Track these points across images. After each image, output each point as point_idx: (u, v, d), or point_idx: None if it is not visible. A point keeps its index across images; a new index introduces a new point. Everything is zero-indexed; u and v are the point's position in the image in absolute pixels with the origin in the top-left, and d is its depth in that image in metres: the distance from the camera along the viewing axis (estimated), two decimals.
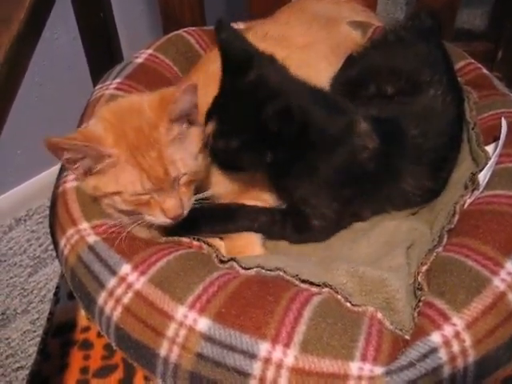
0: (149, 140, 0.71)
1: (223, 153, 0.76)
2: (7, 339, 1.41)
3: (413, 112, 0.82)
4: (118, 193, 0.72)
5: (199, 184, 0.79)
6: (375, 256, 0.75)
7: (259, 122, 0.71)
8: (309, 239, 0.80)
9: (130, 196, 0.71)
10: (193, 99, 0.72)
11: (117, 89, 0.88)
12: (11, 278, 1.53)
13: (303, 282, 0.67)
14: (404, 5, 1.80)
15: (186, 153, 0.73)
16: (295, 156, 0.75)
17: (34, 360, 0.81)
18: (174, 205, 0.72)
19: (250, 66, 0.75)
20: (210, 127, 0.76)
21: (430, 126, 0.81)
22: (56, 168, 1.64)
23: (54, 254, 1.54)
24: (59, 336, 0.81)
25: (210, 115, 0.77)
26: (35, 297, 1.50)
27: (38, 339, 1.40)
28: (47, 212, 1.64)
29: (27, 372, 1.34)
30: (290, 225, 0.80)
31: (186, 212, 0.73)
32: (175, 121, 0.72)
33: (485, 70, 0.96)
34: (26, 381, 0.78)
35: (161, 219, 0.73)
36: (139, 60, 0.94)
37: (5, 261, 1.57)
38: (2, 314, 1.46)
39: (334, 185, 0.77)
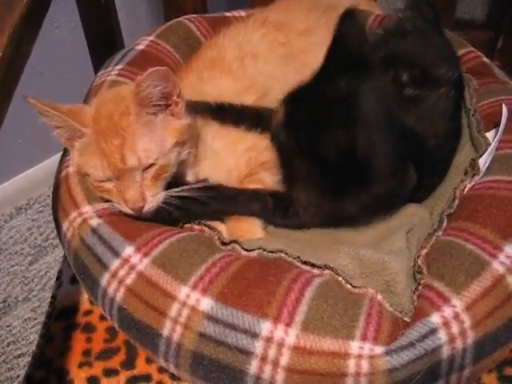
0: (116, 127, 0.71)
1: (279, 144, 0.74)
2: (8, 326, 1.42)
3: (425, 114, 0.80)
4: (88, 175, 0.73)
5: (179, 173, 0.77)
6: (376, 240, 0.76)
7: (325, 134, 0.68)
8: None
9: (94, 181, 0.72)
10: (161, 84, 0.69)
11: (119, 75, 0.88)
12: (12, 266, 1.54)
13: (304, 263, 0.68)
14: None
15: (153, 144, 0.71)
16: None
17: (37, 343, 0.81)
18: (133, 196, 0.71)
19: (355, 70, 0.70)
20: (282, 112, 0.73)
21: (439, 129, 0.80)
22: (57, 157, 1.67)
23: (55, 242, 1.57)
24: (62, 319, 0.81)
25: (289, 100, 0.73)
26: (36, 285, 1.51)
27: (39, 326, 1.40)
28: (48, 201, 1.68)
29: (28, 359, 1.34)
30: None
31: (148, 206, 0.72)
32: (144, 106, 0.71)
33: (485, 58, 0.96)
34: (30, 363, 0.79)
35: (124, 208, 0.72)
36: (140, 47, 0.94)
37: (6, 249, 1.58)
38: (4, 301, 1.46)
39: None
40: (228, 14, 1.08)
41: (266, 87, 0.85)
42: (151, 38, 0.96)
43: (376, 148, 0.68)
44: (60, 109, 0.72)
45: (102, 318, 0.78)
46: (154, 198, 0.72)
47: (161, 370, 0.73)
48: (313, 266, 0.68)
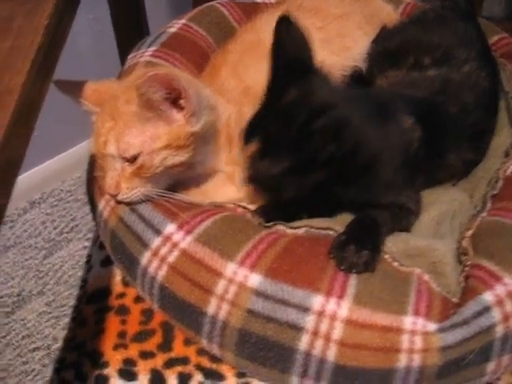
0: (115, 111, 0.70)
1: (264, 177, 0.69)
2: (23, 320, 1.40)
3: (449, 86, 0.82)
4: None
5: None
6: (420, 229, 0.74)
7: (306, 141, 0.65)
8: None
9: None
10: (162, 90, 0.67)
11: (153, 56, 0.87)
12: (26, 260, 1.52)
13: None
14: None
15: (138, 139, 0.69)
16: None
17: (68, 327, 0.80)
18: (108, 182, 0.70)
19: (300, 77, 0.69)
20: (251, 148, 0.69)
21: (467, 100, 0.81)
22: (71, 151, 1.66)
23: (69, 236, 1.56)
24: (93, 303, 0.79)
25: (249, 133, 0.70)
26: (50, 279, 1.49)
27: (54, 321, 1.40)
28: (62, 195, 1.67)
29: (43, 353, 1.33)
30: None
31: (121, 197, 0.70)
32: (145, 107, 0.69)
33: None
34: (61, 347, 0.78)
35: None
36: (173, 29, 0.93)
37: (20, 243, 1.56)
38: (18, 295, 1.44)
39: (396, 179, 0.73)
40: (258, 0, 1.07)
41: None
42: (183, 21, 0.95)
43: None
44: (85, 92, 0.74)
45: (137, 300, 0.76)
46: (129, 190, 0.70)
47: (200, 351, 0.71)
48: None
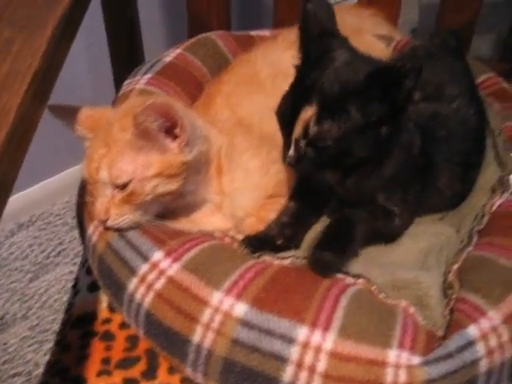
0: (109, 137, 0.71)
1: (324, 141, 0.67)
2: (5, 344, 1.38)
3: (438, 117, 0.83)
4: None
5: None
6: (408, 261, 0.75)
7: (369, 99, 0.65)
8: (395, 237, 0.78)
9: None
10: (160, 119, 0.68)
11: (147, 84, 0.88)
12: (11, 282, 1.51)
13: (339, 271, 0.67)
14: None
15: (131, 167, 0.69)
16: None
17: (52, 351, 0.79)
18: (97, 208, 0.71)
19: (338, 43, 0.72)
20: (309, 112, 0.66)
21: (455, 131, 0.82)
22: (61, 175, 1.66)
23: (56, 260, 1.55)
24: (79, 327, 0.79)
25: (302, 100, 0.68)
26: (35, 302, 1.47)
27: (37, 345, 1.38)
28: (51, 219, 1.66)
29: (24, 379, 1.31)
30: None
31: (111, 223, 0.70)
32: (142, 136, 0.69)
33: (505, 84, 0.98)
34: (44, 371, 0.77)
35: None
36: (168, 58, 0.95)
37: (6, 265, 1.55)
38: (1, 318, 1.42)
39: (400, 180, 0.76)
40: (252, 33, 1.09)
41: None
42: (179, 50, 0.97)
43: None
44: (79, 117, 0.75)
45: (122, 326, 0.76)
46: (118, 216, 0.70)
47: (184, 380, 0.70)
48: (347, 274, 0.67)
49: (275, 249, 0.75)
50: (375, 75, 0.65)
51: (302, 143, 0.68)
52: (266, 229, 0.77)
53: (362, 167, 0.72)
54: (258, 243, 0.75)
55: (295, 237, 0.78)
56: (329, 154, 0.67)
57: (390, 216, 0.76)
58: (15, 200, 1.63)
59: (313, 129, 0.66)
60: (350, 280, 0.67)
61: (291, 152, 0.69)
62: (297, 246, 0.76)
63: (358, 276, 0.67)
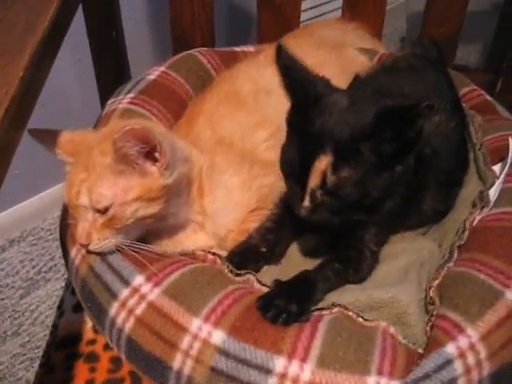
0: (89, 162, 0.71)
1: (344, 187, 0.65)
2: None
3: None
4: None
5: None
6: (388, 278, 0.75)
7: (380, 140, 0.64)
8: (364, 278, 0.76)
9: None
10: (138, 144, 0.67)
11: (130, 103, 0.88)
12: (2, 299, 1.50)
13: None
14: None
15: (111, 191, 0.69)
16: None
17: (36, 373, 0.79)
18: (78, 232, 0.71)
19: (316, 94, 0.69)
20: (324, 161, 0.65)
21: (438, 148, 0.82)
22: (52, 190, 1.65)
23: (47, 276, 1.55)
24: (63, 349, 0.79)
25: (311, 149, 0.66)
26: (26, 319, 1.47)
27: (28, 363, 1.37)
28: (42, 234, 1.65)
29: None
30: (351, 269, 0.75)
31: (93, 247, 0.71)
32: (121, 161, 0.69)
33: (487, 96, 0.99)
34: None
35: None
36: (151, 77, 0.95)
37: None
38: None
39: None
40: (237, 49, 1.09)
41: (278, 123, 0.85)
42: (162, 68, 0.97)
43: None
44: (59, 141, 0.75)
45: (106, 347, 0.76)
46: (100, 241, 0.71)
47: None
48: (321, 310, 0.67)
49: (259, 261, 0.74)
50: (385, 115, 0.63)
51: (319, 193, 0.66)
52: (247, 238, 0.77)
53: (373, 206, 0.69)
54: (241, 259, 0.74)
55: (278, 244, 0.77)
56: (348, 200, 0.66)
57: (364, 259, 0.75)
58: (6, 216, 1.63)
59: (331, 178, 0.65)
60: (325, 312, 0.67)
61: (306, 203, 0.67)
62: (281, 255, 0.76)
63: (331, 305, 0.67)
